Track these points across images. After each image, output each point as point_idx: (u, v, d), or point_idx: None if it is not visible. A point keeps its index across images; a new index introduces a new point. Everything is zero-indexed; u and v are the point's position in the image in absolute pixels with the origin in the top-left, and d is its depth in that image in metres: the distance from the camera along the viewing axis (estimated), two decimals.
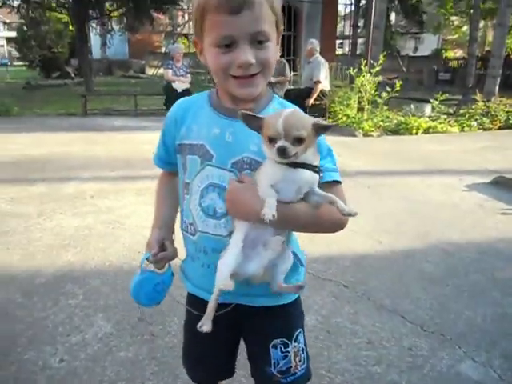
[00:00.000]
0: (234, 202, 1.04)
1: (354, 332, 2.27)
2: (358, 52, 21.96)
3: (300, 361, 1.20)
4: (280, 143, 0.95)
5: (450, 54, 29.86)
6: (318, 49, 8.50)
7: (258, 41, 1.01)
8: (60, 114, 10.25)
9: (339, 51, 27.85)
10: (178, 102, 1.22)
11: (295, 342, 1.20)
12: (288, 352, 1.18)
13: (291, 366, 1.18)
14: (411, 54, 31.14)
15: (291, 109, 1.01)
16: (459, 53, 31.13)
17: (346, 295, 2.62)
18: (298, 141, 0.95)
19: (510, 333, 2.28)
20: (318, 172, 1.03)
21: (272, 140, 0.96)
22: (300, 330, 1.22)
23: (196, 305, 1.19)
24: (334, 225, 1.10)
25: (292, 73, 14.31)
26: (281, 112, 0.98)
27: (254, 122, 1.00)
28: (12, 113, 9.94)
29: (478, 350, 2.13)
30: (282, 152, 0.95)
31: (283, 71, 8.35)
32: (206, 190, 1.10)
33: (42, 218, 3.71)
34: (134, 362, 2.03)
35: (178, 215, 1.25)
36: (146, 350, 2.11)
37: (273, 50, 1.05)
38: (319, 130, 0.99)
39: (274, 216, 0.93)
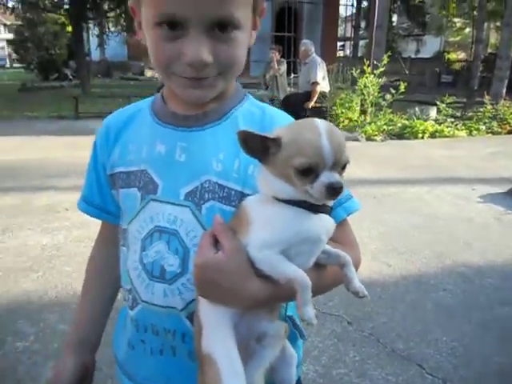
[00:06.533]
0: (213, 286, 0.62)
1: None
2: (359, 54, 21.62)
3: None
4: (330, 177, 0.58)
5: (453, 56, 29.46)
6: (313, 49, 8.12)
7: (219, 27, 0.63)
8: (51, 116, 9.83)
9: (340, 53, 27.53)
10: (113, 114, 0.84)
11: None
12: None
13: None
14: (413, 56, 30.76)
15: (324, 120, 0.61)
16: (462, 55, 30.76)
17: (350, 335, 2.19)
18: (343, 168, 0.61)
19: None
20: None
21: (309, 171, 0.58)
22: None
23: None
24: (333, 286, 0.73)
25: (292, 75, 13.96)
26: (312, 125, 0.59)
27: (257, 143, 0.60)
28: (1, 116, 9.54)
29: None
30: (337, 191, 0.59)
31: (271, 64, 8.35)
32: (149, 238, 0.72)
33: (6, 235, 3.29)
34: None
35: None
36: None
37: (243, 43, 0.67)
38: None
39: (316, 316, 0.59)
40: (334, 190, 0.58)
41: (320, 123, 0.59)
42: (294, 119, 0.79)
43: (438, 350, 2.09)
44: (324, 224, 0.63)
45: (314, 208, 0.61)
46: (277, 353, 0.67)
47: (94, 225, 3.12)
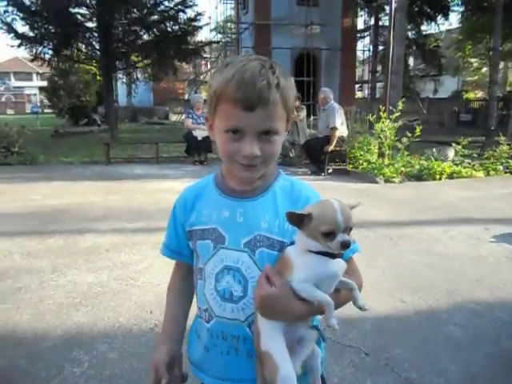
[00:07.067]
0: (270, 309, 0.98)
1: None
2: (377, 95, 22.16)
3: None
4: (343, 237, 0.94)
5: (471, 95, 29.79)
6: (332, 96, 8.59)
7: (265, 133, 1.01)
8: (84, 162, 10.40)
9: (358, 94, 28.17)
10: (187, 188, 1.21)
11: None
12: None
13: None
14: (431, 96, 31.21)
15: (336, 200, 0.98)
16: (480, 93, 31.04)
17: (367, 365, 2.43)
18: (350, 230, 0.96)
19: None
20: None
21: (329, 234, 0.93)
22: None
23: None
24: (346, 303, 1.08)
25: (312, 117, 14.45)
26: (330, 204, 0.96)
27: (297, 218, 0.96)
28: (38, 161, 10.20)
29: None
30: (347, 246, 0.94)
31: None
32: (220, 273, 1.07)
33: (56, 274, 3.66)
34: None
35: None
36: None
37: (279, 143, 1.05)
38: None
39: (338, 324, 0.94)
40: (345, 245, 0.94)
41: (335, 203, 0.95)
42: (315, 191, 1.14)
43: (447, 379, 2.31)
44: (340, 264, 0.99)
45: (333, 255, 0.97)
46: (310, 351, 1.00)
47: (133, 264, 3.61)
